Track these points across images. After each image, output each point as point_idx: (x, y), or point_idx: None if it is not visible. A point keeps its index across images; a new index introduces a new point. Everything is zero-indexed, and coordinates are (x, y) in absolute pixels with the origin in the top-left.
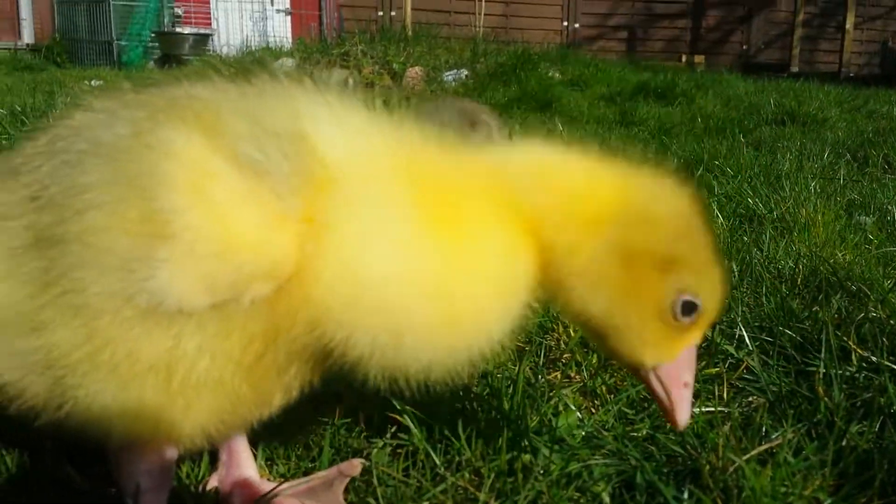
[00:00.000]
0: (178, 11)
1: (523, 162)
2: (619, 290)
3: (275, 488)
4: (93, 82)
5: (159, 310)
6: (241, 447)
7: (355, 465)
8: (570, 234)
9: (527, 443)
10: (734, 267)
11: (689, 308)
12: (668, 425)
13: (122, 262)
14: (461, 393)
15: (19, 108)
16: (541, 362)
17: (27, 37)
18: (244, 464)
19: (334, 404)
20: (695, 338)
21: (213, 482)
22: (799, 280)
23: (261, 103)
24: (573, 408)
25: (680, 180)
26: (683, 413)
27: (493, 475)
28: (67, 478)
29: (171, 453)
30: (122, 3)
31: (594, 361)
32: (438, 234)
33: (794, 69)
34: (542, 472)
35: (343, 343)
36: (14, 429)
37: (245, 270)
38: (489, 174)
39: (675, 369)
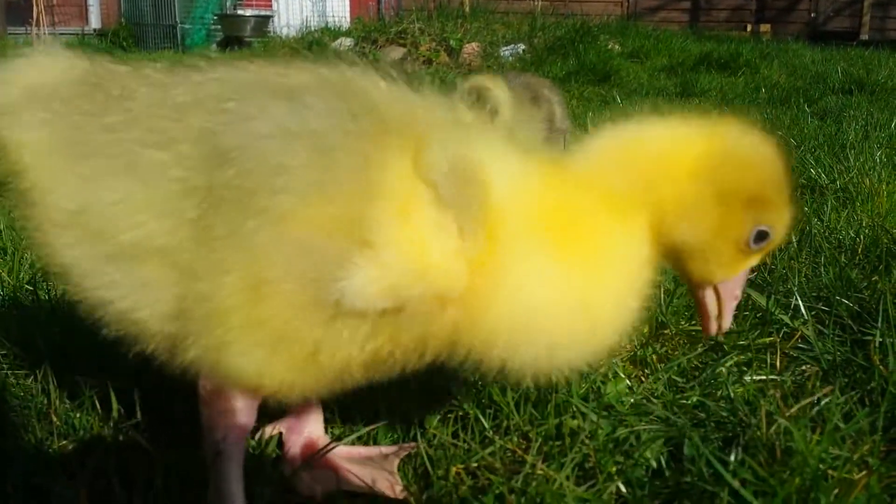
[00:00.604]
0: None
1: (615, 148)
2: (711, 223)
3: (334, 445)
4: (157, 65)
5: (341, 308)
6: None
7: (413, 445)
8: (675, 187)
9: (575, 408)
10: (793, 237)
11: (762, 237)
12: (719, 393)
13: (315, 252)
14: None
15: None
16: None
17: (94, 22)
18: (312, 418)
19: None
20: (756, 260)
21: (279, 427)
22: (859, 250)
23: (450, 133)
24: (622, 375)
25: (762, 131)
26: (727, 320)
27: (540, 439)
28: (136, 444)
29: (258, 398)
30: None
31: (645, 331)
32: (573, 255)
33: (864, 37)
34: (589, 436)
35: (503, 360)
36: (82, 394)
37: (430, 290)
38: (591, 177)
39: (732, 284)
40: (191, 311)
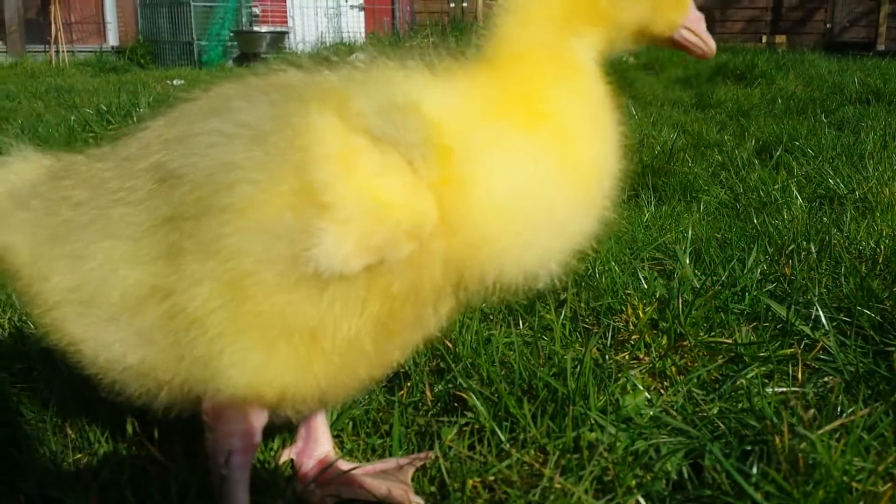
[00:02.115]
0: (256, 11)
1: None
2: None
3: (351, 469)
4: (175, 82)
5: (321, 276)
6: (320, 423)
7: (428, 455)
8: None
9: (593, 421)
10: (812, 248)
11: None
12: (740, 406)
13: (282, 232)
14: (526, 373)
15: (105, 108)
16: (608, 343)
17: (112, 39)
18: (322, 439)
19: (402, 382)
20: None
21: (289, 454)
22: (880, 260)
23: (374, 82)
24: (641, 388)
25: None
26: (710, 39)
27: (557, 452)
28: (151, 458)
29: (261, 419)
30: (202, 4)
31: (664, 343)
32: (527, 136)
33: (881, 47)
34: (607, 449)
35: (491, 268)
36: (98, 408)
37: (398, 229)
38: (511, 49)
39: (693, 13)
40: (178, 329)
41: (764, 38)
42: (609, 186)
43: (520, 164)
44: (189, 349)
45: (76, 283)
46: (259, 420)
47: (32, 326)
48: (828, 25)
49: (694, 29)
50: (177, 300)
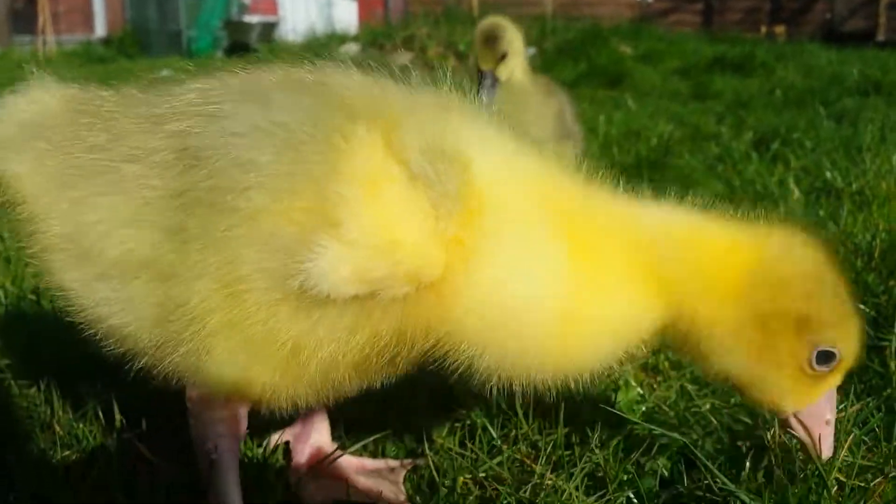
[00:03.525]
0: (245, 0)
1: (659, 225)
2: (757, 352)
3: (340, 454)
4: (163, 72)
5: (309, 293)
6: (319, 409)
7: (420, 461)
8: (709, 306)
9: (585, 417)
10: None
11: (827, 357)
12: (732, 401)
13: (284, 244)
14: None
15: None
16: None
17: (100, 29)
18: (319, 426)
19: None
20: (836, 381)
21: (285, 436)
22: (876, 254)
23: (432, 117)
24: (633, 383)
25: (809, 237)
26: (827, 447)
27: (549, 448)
28: (139, 455)
29: (245, 407)
30: None
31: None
32: (572, 272)
33: (881, 38)
34: (599, 445)
35: (469, 358)
36: (86, 404)
37: (400, 268)
38: (624, 225)
39: (817, 409)
40: (173, 318)
41: (763, 29)
42: (619, 348)
43: (534, 278)
44: (179, 338)
45: (74, 231)
46: (244, 407)
47: (17, 319)
48: (828, 16)
49: (808, 426)
50: (177, 289)
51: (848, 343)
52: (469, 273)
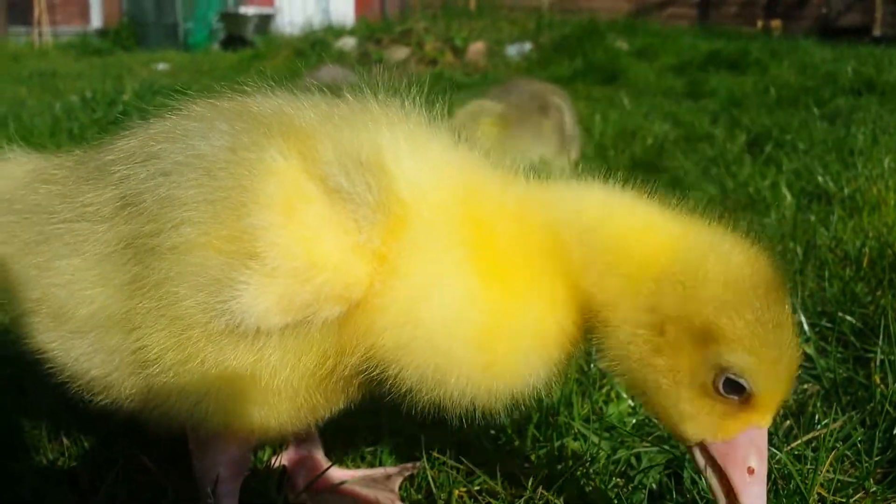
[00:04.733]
0: None
1: (575, 208)
2: (654, 355)
3: (340, 478)
4: (160, 66)
5: (240, 329)
6: (311, 429)
7: (416, 466)
8: (607, 293)
9: (577, 430)
10: (798, 249)
11: (734, 388)
12: None
13: (211, 280)
14: None
15: (90, 95)
16: (593, 351)
17: (96, 21)
18: (312, 444)
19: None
20: (758, 419)
21: (280, 460)
22: (864, 262)
23: (349, 128)
24: (624, 396)
25: (755, 244)
26: (748, 500)
27: (542, 462)
28: (143, 468)
29: (249, 446)
30: None
31: None
32: (489, 288)
33: (877, 33)
34: (590, 459)
35: (393, 375)
36: (93, 422)
37: (323, 291)
38: (543, 220)
39: (733, 449)
40: (145, 364)
41: (759, 23)
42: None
43: (449, 296)
44: (152, 383)
45: (43, 295)
46: (244, 447)
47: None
48: (824, 10)
49: (723, 466)
50: (140, 336)
51: (766, 378)
52: (387, 289)
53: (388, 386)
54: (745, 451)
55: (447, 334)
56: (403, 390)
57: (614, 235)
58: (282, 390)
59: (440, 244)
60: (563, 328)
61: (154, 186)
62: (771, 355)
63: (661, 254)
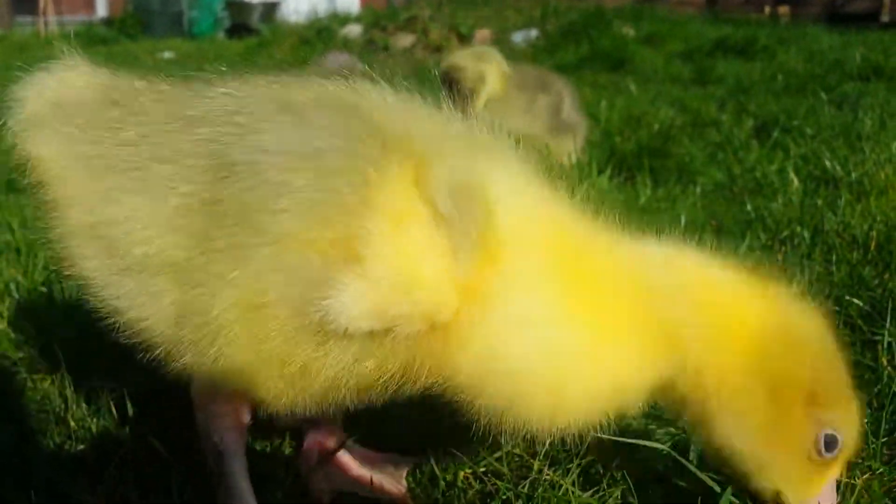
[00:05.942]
0: None
1: (664, 271)
2: (765, 424)
3: (349, 444)
4: (165, 54)
5: (326, 327)
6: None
7: (424, 456)
8: (718, 361)
9: None
10: (805, 234)
11: (832, 443)
12: None
13: (308, 275)
14: None
15: None
16: None
17: (101, 10)
18: (328, 425)
19: None
20: (835, 472)
21: (294, 427)
22: (872, 246)
23: (464, 155)
24: None
25: (814, 305)
26: None
27: (546, 443)
28: (151, 450)
29: (247, 416)
30: None
31: None
32: (574, 330)
33: (885, 19)
34: (595, 440)
35: (462, 400)
36: (99, 398)
37: (418, 307)
38: (632, 272)
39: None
40: (192, 321)
41: (767, 9)
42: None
43: (545, 336)
44: (195, 339)
45: (99, 221)
46: (246, 417)
47: (28, 312)
48: None
49: None
50: (199, 295)
51: (850, 428)
52: (476, 320)
53: (449, 402)
54: (826, 502)
55: (527, 374)
56: (467, 411)
57: (718, 305)
58: (325, 383)
59: (531, 283)
60: (638, 381)
61: (258, 162)
62: (851, 407)
63: (763, 321)
